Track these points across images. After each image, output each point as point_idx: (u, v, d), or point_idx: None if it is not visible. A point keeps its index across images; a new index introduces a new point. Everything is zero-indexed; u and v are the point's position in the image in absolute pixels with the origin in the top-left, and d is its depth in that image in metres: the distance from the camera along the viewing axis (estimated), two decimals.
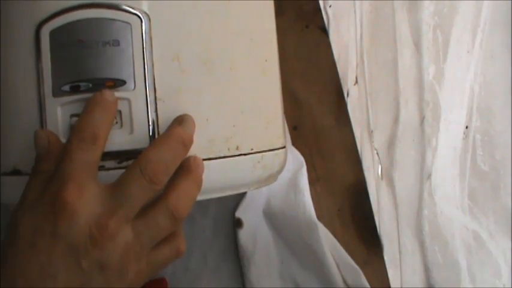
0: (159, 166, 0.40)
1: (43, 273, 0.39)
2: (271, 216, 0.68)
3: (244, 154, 0.47)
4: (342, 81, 0.73)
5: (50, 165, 0.42)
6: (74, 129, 0.41)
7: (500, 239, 0.73)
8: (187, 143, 0.43)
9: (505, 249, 0.73)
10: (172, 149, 0.42)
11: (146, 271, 0.43)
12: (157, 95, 0.43)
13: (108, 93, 0.41)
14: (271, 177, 0.52)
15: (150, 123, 0.42)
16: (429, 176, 0.73)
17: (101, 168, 0.43)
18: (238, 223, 0.67)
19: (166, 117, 0.43)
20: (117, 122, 0.42)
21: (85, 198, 0.40)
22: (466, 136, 0.74)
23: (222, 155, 0.46)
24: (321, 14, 0.73)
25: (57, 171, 0.41)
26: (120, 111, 0.42)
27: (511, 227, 0.73)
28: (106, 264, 0.40)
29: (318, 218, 0.68)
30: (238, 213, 0.67)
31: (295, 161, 0.69)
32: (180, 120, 0.43)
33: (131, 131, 0.42)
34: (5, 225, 0.43)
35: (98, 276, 0.40)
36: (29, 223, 0.40)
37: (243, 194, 0.68)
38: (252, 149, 0.48)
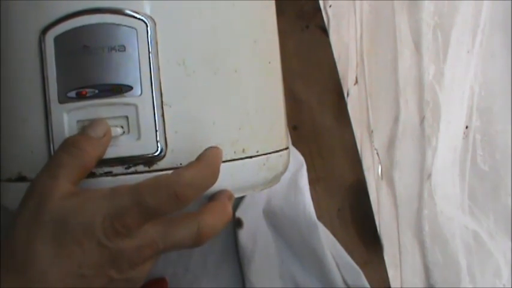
0: (191, 190, 0.40)
1: (55, 261, 0.38)
2: (271, 216, 0.68)
3: (250, 157, 0.47)
4: (342, 81, 0.73)
5: (86, 155, 0.41)
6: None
7: (500, 239, 0.73)
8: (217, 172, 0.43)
9: (505, 249, 0.73)
10: (205, 174, 0.41)
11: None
12: (163, 100, 0.42)
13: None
14: (276, 179, 0.52)
15: (157, 128, 0.42)
16: (429, 176, 0.73)
17: (109, 174, 0.42)
18: (238, 223, 0.67)
19: (173, 121, 0.43)
20: (122, 127, 0.42)
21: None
22: (466, 136, 0.74)
23: (229, 158, 0.46)
24: (321, 14, 0.73)
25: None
26: (127, 117, 0.42)
27: (511, 227, 0.73)
28: (118, 258, 0.39)
29: (318, 218, 0.68)
30: (238, 213, 0.67)
31: (295, 161, 0.69)
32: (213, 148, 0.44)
33: (138, 137, 0.42)
34: (5, 225, 0.43)
35: (110, 270, 0.39)
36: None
37: None
38: (257, 151, 0.48)
